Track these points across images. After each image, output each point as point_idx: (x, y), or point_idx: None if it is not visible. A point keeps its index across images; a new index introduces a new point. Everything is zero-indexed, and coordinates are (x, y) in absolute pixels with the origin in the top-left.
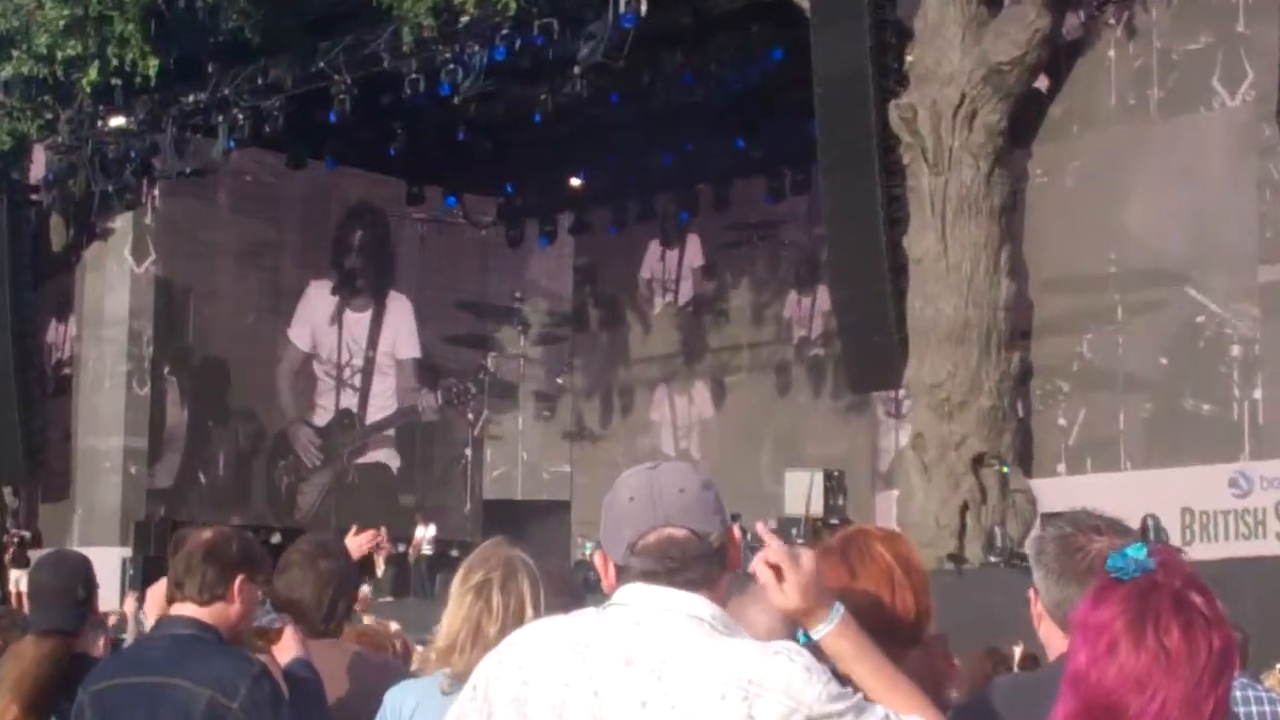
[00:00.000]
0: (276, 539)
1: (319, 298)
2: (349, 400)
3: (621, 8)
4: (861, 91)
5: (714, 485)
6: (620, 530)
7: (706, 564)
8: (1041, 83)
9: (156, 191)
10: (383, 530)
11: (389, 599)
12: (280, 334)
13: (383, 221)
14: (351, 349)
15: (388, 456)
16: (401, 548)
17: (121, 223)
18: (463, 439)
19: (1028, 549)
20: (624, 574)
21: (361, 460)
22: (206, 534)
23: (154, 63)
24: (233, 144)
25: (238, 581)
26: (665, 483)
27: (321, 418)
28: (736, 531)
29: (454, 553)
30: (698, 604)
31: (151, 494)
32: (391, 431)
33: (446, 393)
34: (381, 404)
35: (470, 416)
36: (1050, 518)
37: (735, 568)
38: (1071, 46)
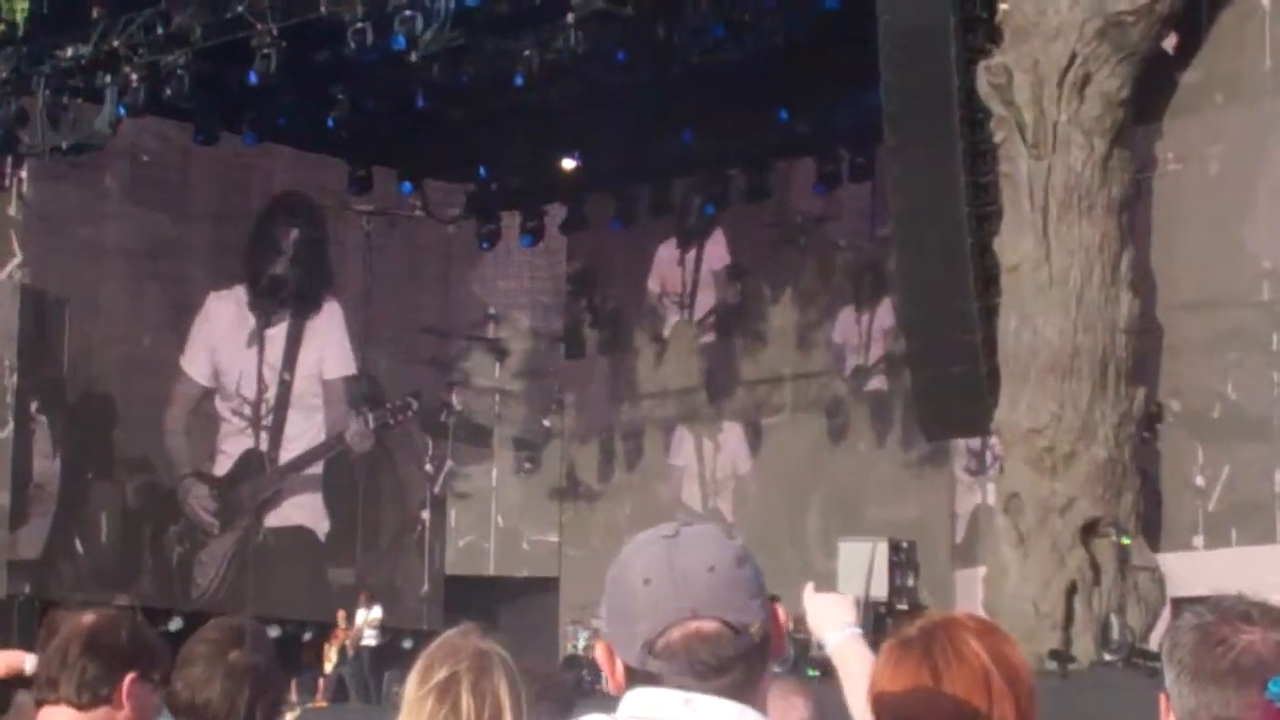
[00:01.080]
0: (176, 625)
1: (223, 314)
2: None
3: None
4: (941, 49)
5: (750, 556)
6: (633, 623)
7: (746, 663)
8: (1171, 41)
9: (24, 173)
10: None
11: (322, 704)
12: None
13: (317, 215)
14: (268, 378)
15: (313, 517)
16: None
17: None
18: (418, 497)
19: (1156, 643)
20: (637, 677)
21: (277, 522)
22: (87, 618)
23: (23, 6)
24: (124, 111)
25: (127, 681)
26: (690, 559)
27: (223, 466)
28: (781, 613)
29: (406, 644)
30: (737, 717)
31: (14, 566)
32: (318, 488)
33: (379, 416)
34: (304, 442)
35: (429, 468)
36: (1185, 604)
37: (779, 657)
38: None
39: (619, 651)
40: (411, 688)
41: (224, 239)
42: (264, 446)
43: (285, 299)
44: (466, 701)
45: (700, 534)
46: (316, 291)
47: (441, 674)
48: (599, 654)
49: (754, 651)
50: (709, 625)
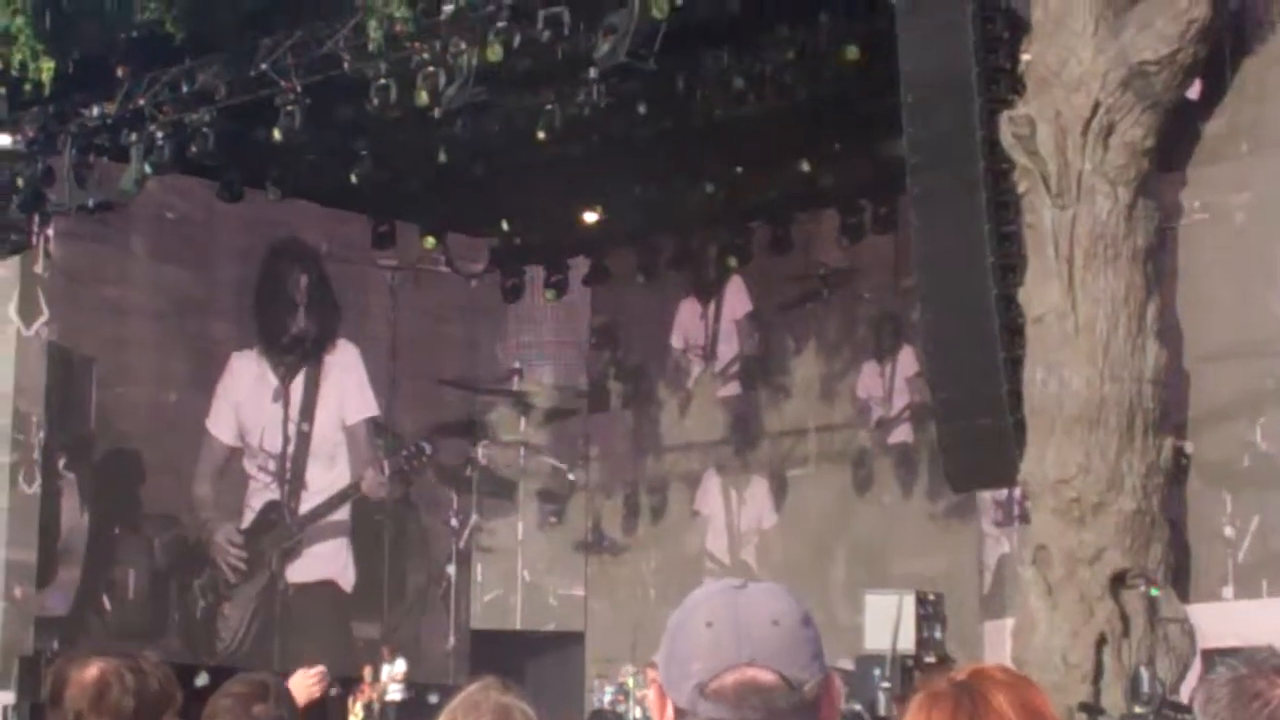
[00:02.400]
0: (202, 680)
1: (246, 371)
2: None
3: None
4: (964, 100)
5: (813, 622)
6: (689, 663)
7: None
8: (1195, 89)
9: (51, 231)
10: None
11: None
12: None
13: (318, 258)
14: (290, 431)
15: (338, 570)
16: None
17: (5, 271)
18: (443, 551)
19: (1186, 695)
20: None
21: (301, 576)
22: (92, 672)
23: (49, 65)
24: (149, 169)
25: None
26: (755, 610)
27: (248, 519)
28: (837, 683)
29: (432, 699)
30: None
31: (42, 623)
32: (343, 542)
33: (393, 462)
34: (325, 491)
35: (454, 522)
36: (1215, 655)
37: None
38: (1239, 41)
39: (670, 693)
40: None
41: (246, 296)
42: (286, 498)
43: (305, 351)
44: None
45: (767, 589)
46: (330, 334)
47: None
48: (650, 698)
49: (805, 710)
50: (765, 675)
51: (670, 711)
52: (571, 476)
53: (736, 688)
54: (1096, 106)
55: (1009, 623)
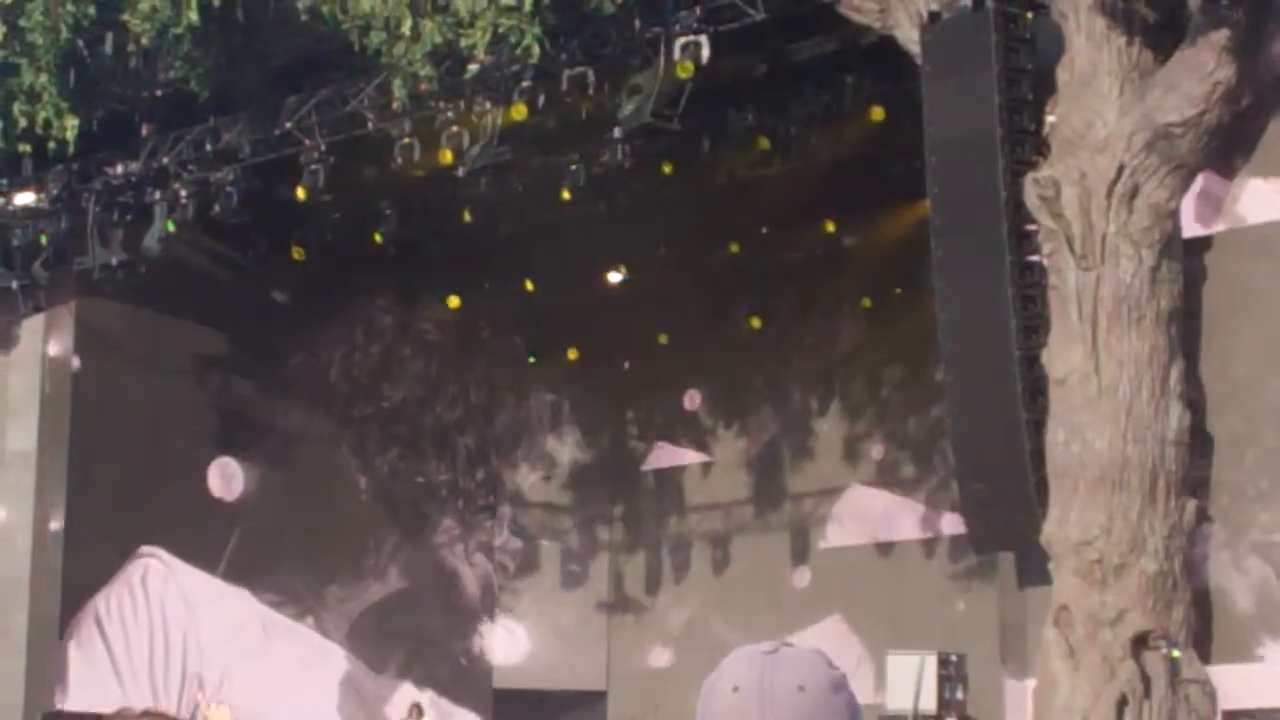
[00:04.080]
0: None
1: None
2: None
3: (676, 53)
4: (987, 161)
5: (847, 689)
6: None
7: None
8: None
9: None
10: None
11: None
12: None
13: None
14: None
15: None
16: None
17: (29, 331)
18: (469, 610)
19: None
20: None
21: None
22: None
23: (73, 123)
24: (172, 228)
25: None
26: (782, 676)
27: None
28: None
29: None
30: None
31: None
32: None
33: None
34: None
35: (477, 582)
36: (1237, 717)
37: None
38: (1260, 100)
39: None
40: None
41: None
42: None
43: None
44: None
45: (799, 655)
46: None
47: None
48: None
49: None
50: None
51: None
52: (595, 537)
53: None
54: (1121, 169)
55: (1030, 684)
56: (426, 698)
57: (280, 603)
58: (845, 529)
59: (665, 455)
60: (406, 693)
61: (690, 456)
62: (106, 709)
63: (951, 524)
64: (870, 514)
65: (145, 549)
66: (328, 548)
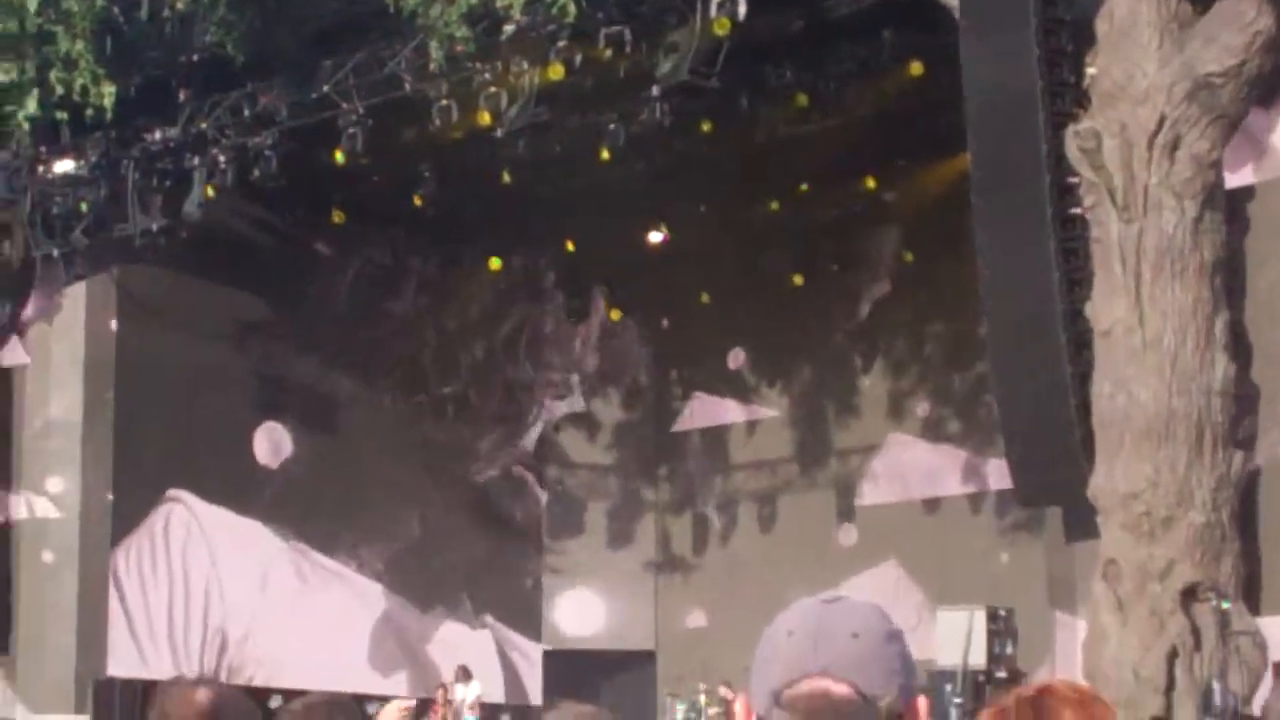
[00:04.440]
0: (275, 703)
1: None
2: None
3: (713, 10)
4: (1028, 114)
5: (902, 641)
6: (768, 672)
7: None
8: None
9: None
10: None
11: None
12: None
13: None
14: None
15: None
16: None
17: (72, 298)
18: (519, 571)
19: (1259, 708)
20: None
21: None
22: (203, 695)
23: (110, 90)
24: (213, 193)
25: None
26: (838, 622)
27: None
28: (922, 705)
29: (504, 719)
30: None
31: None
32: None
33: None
34: None
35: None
36: None
37: None
38: None
39: (753, 703)
40: None
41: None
42: None
43: None
44: None
45: (858, 605)
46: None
47: None
48: (738, 709)
49: None
50: (839, 687)
51: None
52: (641, 496)
53: (810, 697)
54: (1162, 120)
55: (1080, 638)
56: (483, 633)
57: (320, 547)
58: (891, 485)
59: (709, 413)
60: (450, 630)
61: (734, 414)
62: (122, 673)
63: (998, 479)
64: (916, 470)
65: (171, 493)
66: (369, 498)
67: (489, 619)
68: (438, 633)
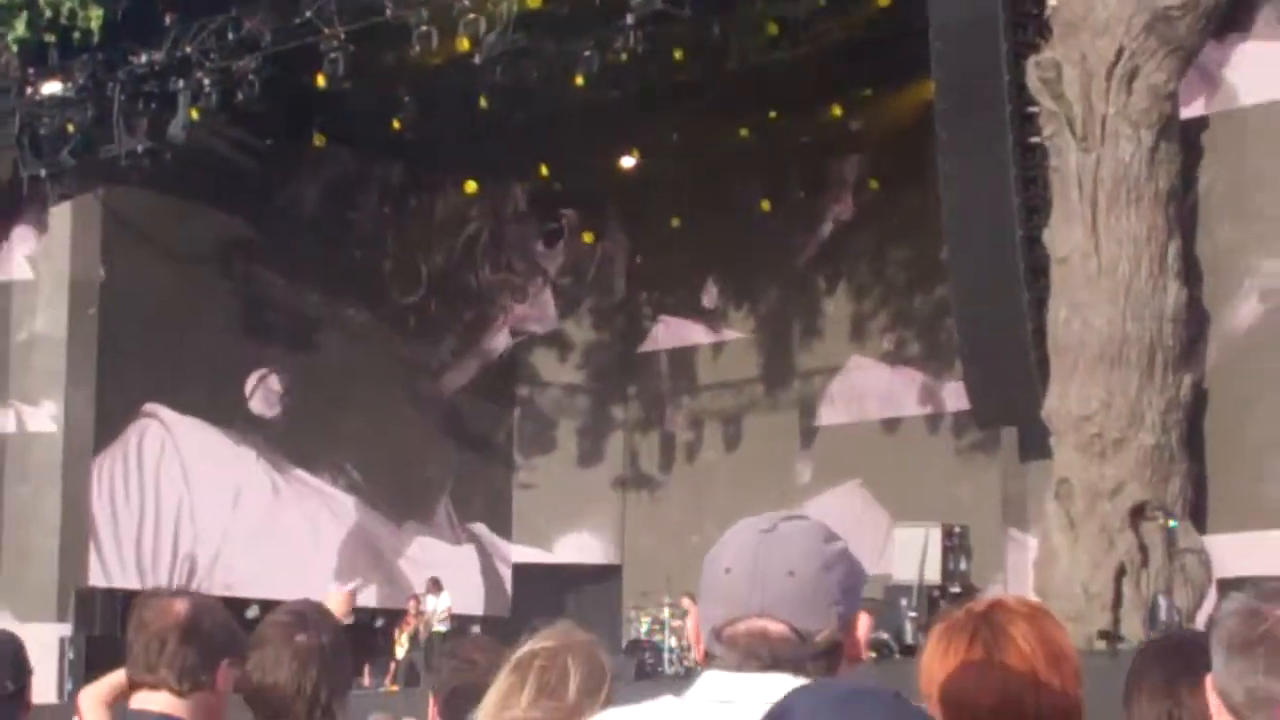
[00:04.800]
0: (253, 613)
1: None
2: None
3: None
4: (990, 45)
5: (843, 563)
6: (711, 608)
7: (807, 666)
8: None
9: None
10: (411, 601)
11: (394, 688)
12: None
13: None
14: None
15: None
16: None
17: (58, 217)
18: (488, 486)
19: (1202, 623)
20: (709, 660)
21: None
22: (181, 605)
23: (97, 13)
24: (197, 116)
25: (223, 666)
26: (774, 558)
27: None
28: (864, 621)
29: (474, 629)
30: (780, 684)
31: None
32: None
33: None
34: None
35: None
36: (1231, 585)
37: (856, 662)
38: None
39: (701, 626)
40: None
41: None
42: None
43: None
44: (535, 674)
45: (795, 533)
46: None
47: (522, 651)
48: (688, 626)
49: (818, 657)
50: (775, 626)
51: (703, 646)
52: (610, 415)
53: (747, 635)
54: (1121, 51)
55: (1032, 555)
56: (459, 549)
57: (295, 462)
58: (852, 406)
59: (677, 335)
60: (424, 544)
61: (701, 336)
62: (101, 584)
63: (956, 399)
64: (877, 391)
65: (147, 407)
66: (343, 411)
67: (469, 531)
68: (410, 547)
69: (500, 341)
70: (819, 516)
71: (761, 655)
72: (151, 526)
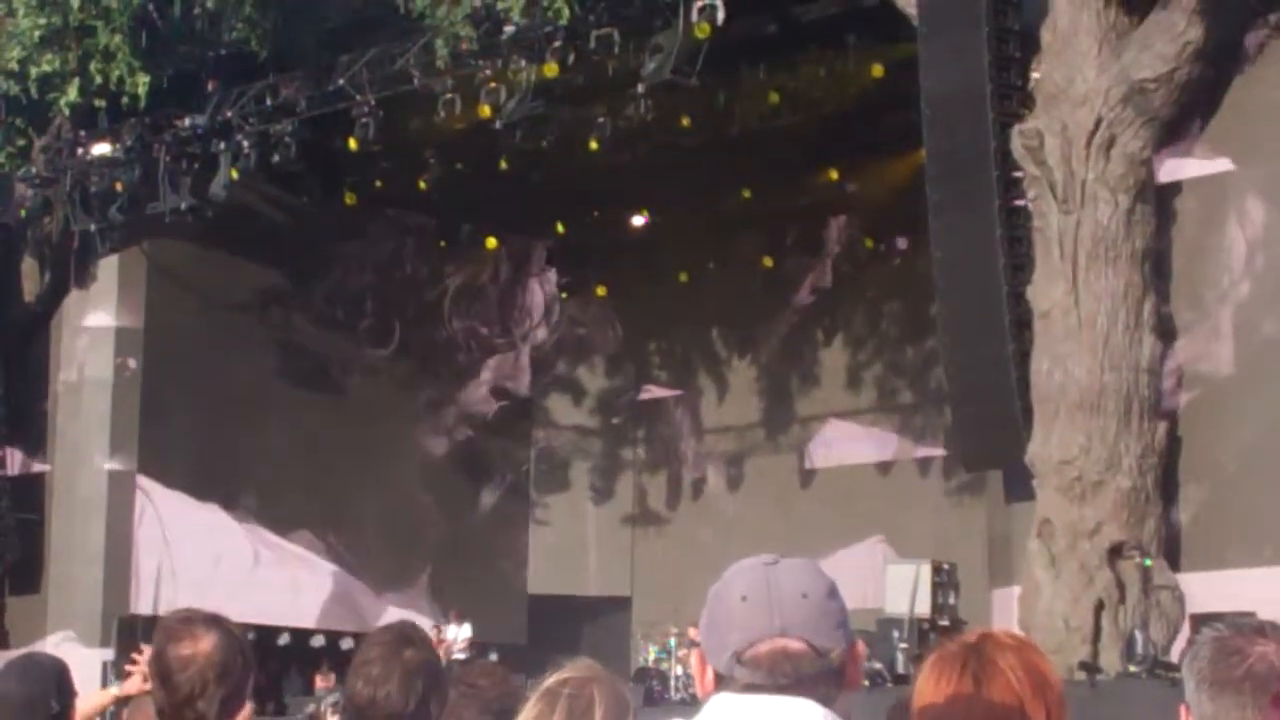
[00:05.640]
0: (284, 640)
1: None
2: None
3: (694, 15)
4: (978, 114)
5: (840, 594)
6: (726, 634)
7: (824, 684)
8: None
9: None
10: (434, 630)
11: None
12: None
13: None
14: None
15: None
16: None
17: (106, 269)
18: (509, 522)
19: (1176, 656)
20: (724, 684)
21: None
22: (206, 645)
23: (144, 80)
24: (237, 176)
25: (247, 707)
26: (786, 584)
27: None
28: (861, 647)
29: (493, 657)
30: (810, 711)
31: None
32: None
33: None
34: None
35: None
36: (1203, 620)
37: (854, 688)
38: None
39: (710, 660)
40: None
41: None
42: None
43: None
44: (564, 701)
45: (797, 565)
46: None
47: (552, 680)
48: (693, 663)
49: (832, 675)
50: (795, 644)
51: (710, 675)
52: (620, 456)
53: (770, 655)
54: (1099, 121)
55: (1016, 590)
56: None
57: (285, 529)
58: (847, 449)
59: (684, 381)
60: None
61: (706, 382)
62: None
63: (945, 445)
64: (870, 435)
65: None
66: (327, 476)
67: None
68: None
69: (476, 394)
70: (820, 553)
71: (785, 672)
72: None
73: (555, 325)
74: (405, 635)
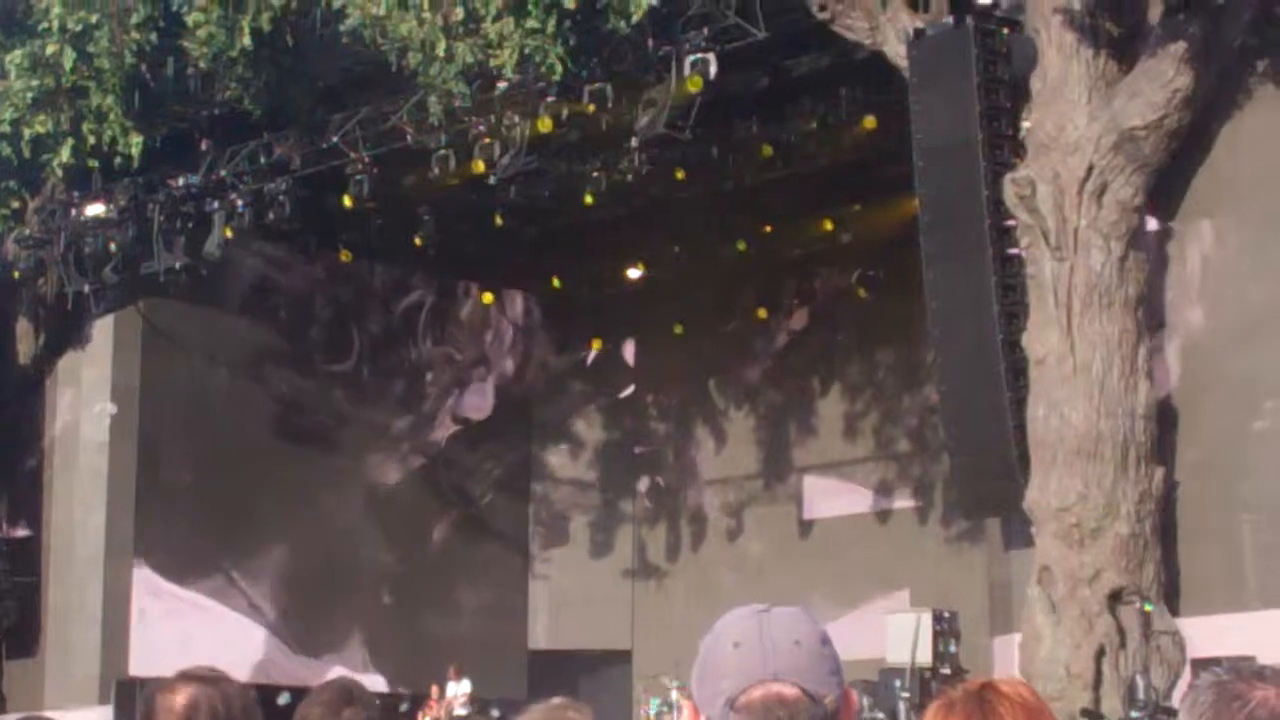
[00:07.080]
0: (284, 700)
1: None
2: None
3: (687, 70)
4: (970, 164)
5: (832, 641)
6: (719, 681)
7: None
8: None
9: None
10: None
11: None
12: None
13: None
14: None
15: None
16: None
17: (101, 330)
18: (507, 577)
19: (1177, 701)
20: None
21: None
22: (180, 698)
23: (137, 140)
24: (231, 234)
25: None
26: (778, 631)
27: None
28: (854, 697)
29: (494, 713)
30: None
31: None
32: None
33: None
34: None
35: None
36: (1204, 665)
37: None
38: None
39: (703, 710)
40: None
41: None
42: None
43: None
44: None
45: (790, 613)
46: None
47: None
48: (685, 714)
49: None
50: (789, 690)
51: None
52: (619, 509)
53: (764, 701)
54: (1091, 168)
55: (1017, 638)
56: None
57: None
58: (847, 498)
59: (682, 433)
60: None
61: (704, 433)
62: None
63: (942, 493)
64: (869, 484)
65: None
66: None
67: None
68: (321, 678)
69: (440, 430)
70: (810, 599)
71: (779, 717)
72: None
73: (536, 370)
74: (345, 694)
